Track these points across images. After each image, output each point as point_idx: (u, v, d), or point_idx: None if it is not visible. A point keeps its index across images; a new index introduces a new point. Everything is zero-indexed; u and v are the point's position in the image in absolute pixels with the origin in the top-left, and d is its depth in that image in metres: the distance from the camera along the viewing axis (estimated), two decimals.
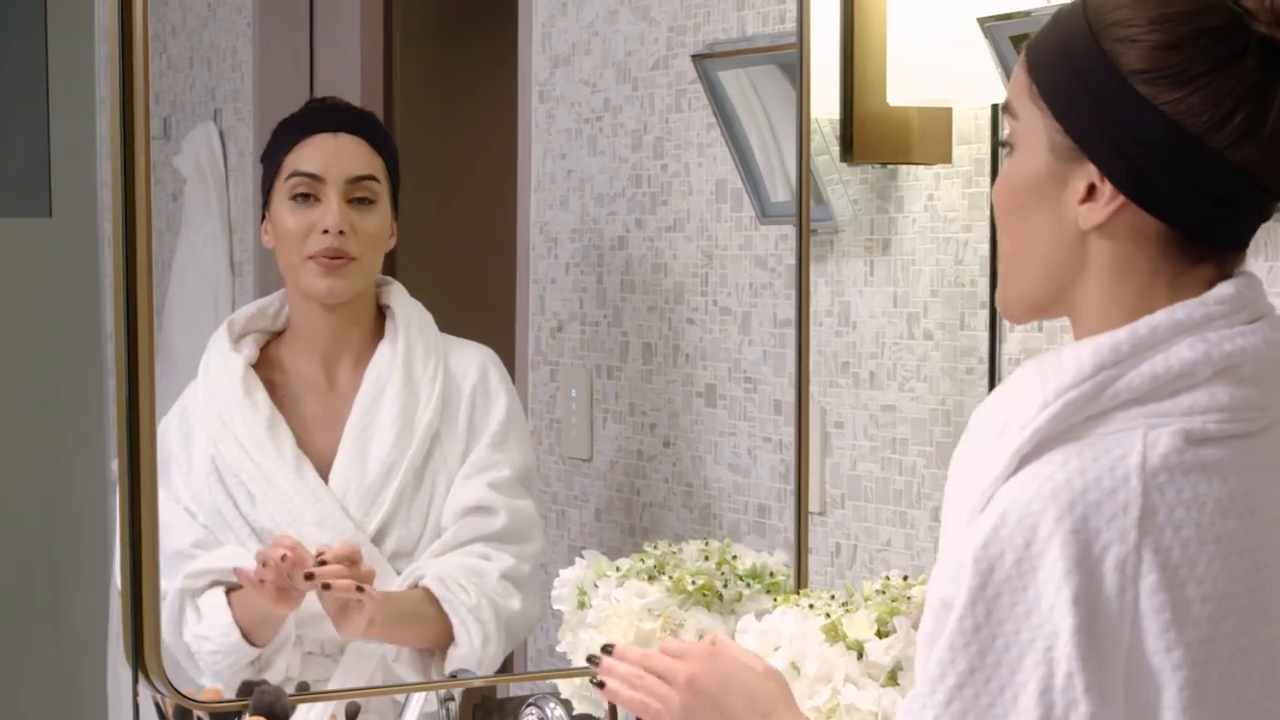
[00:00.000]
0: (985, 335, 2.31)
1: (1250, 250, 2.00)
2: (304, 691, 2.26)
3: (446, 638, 2.32)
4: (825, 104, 2.35)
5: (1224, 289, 1.38)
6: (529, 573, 2.39)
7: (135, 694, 2.03)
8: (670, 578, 2.32)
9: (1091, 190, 1.37)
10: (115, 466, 2.01)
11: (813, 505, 2.46)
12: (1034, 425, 1.34)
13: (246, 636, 2.27)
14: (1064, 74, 1.38)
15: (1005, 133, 1.45)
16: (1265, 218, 1.40)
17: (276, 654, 2.30)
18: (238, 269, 3.09)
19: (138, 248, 1.95)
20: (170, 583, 2.26)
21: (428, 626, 2.32)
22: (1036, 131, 1.39)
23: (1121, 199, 1.36)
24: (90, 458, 3.60)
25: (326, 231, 2.34)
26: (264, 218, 2.40)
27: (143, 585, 1.97)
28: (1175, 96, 1.33)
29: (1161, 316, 1.36)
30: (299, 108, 2.49)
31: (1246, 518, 1.34)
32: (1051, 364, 1.37)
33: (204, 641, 2.28)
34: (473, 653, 2.31)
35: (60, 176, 3.73)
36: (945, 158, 2.33)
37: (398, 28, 3.01)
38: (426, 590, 2.31)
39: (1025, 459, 1.35)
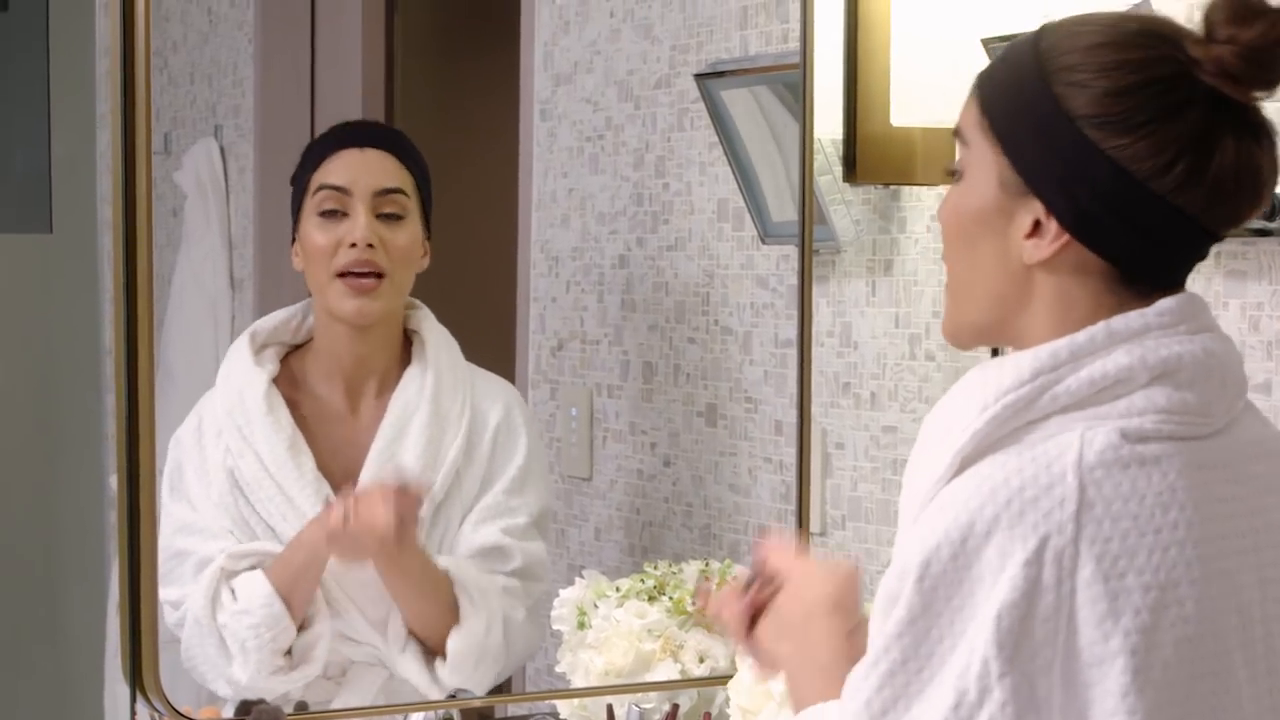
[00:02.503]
0: (987, 356, 2.30)
1: (1254, 272, 2.01)
2: (303, 711, 2.25)
3: (450, 619, 2.30)
4: (828, 124, 2.34)
5: (1165, 302, 1.42)
6: (533, 605, 2.38)
7: (133, 712, 2.02)
8: (670, 598, 2.32)
9: (1037, 226, 1.41)
10: (114, 483, 2.00)
11: (813, 526, 2.45)
12: (974, 427, 1.38)
13: (286, 605, 2.24)
14: (1016, 113, 1.41)
15: (956, 158, 1.48)
16: (1202, 256, 1.44)
17: (313, 647, 2.27)
18: (238, 285, 3.08)
19: (138, 263, 1.94)
20: (208, 567, 2.25)
21: (439, 597, 2.30)
22: (986, 164, 1.43)
23: (1066, 237, 1.40)
24: (89, 474, 3.59)
25: (354, 245, 2.31)
26: (294, 239, 2.38)
27: (141, 602, 1.97)
28: (1121, 142, 1.37)
29: (1099, 327, 1.40)
30: (326, 129, 2.47)
31: (1188, 510, 1.36)
32: (993, 370, 1.41)
33: (243, 617, 2.23)
34: (475, 637, 2.29)
35: (61, 192, 3.72)
36: (948, 179, 2.33)
37: (399, 45, 3.01)
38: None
39: (966, 461, 1.38)
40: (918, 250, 2.39)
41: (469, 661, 2.29)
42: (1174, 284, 1.43)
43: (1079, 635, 1.32)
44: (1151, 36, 1.39)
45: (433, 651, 2.31)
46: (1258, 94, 1.38)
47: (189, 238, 3.16)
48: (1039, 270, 1.42)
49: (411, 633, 2.30)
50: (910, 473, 1.45)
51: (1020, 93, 1.41)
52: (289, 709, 2.22)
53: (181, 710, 2.03)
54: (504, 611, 2.32)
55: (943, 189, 2.34)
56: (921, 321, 2.38)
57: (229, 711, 2.27)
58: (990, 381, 1.40)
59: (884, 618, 1.38)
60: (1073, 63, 1.39)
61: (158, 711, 2.00)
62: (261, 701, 2.16)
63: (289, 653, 2.26)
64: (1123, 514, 1.34)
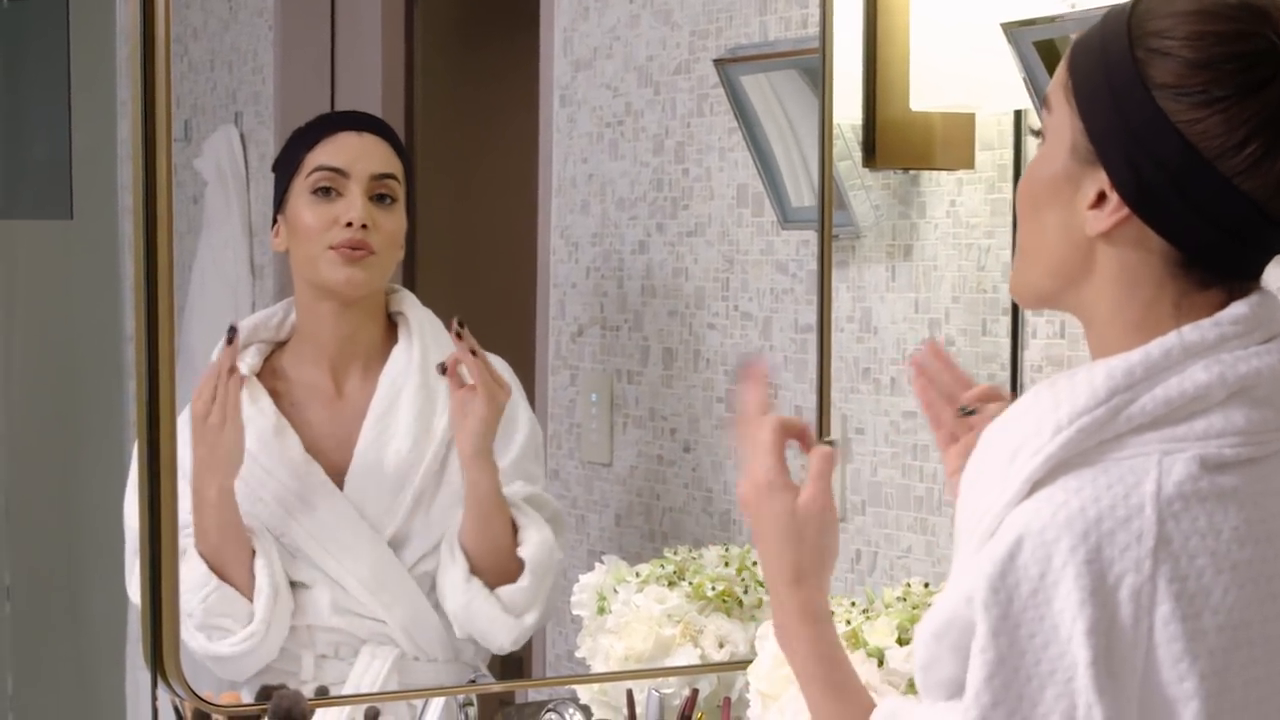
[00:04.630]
0: (1007, 341, 2.30)
1: None
2: (323, 695, 2.26)
3: (509, 538, 2.35)
4: (847, 109, 2.34)
5: (1237, 308, 1.37)
6: (560, 555, 2.43)
7: (154, 697, 2.03)
8: (690, 583, 2.32)
9: (1101, 197, 1.37)
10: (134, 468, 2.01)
11: None
12: (1046, 451, 1.34)
13: (214, 568, 2.27)
14: (1096, 76, 1.37)
15: (1040, 125, 1.45)
16: (1277, 251, 1.40)
17: (257, 606, 2.29)
18: (258, 271, 3.09)
19: (158, 250, 1.95)
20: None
21: (505, 521, 2.35)
22: (1064, 128, 1.40)
23: (1126, 210, 1.36)
24: (110, 461, 3.60)
25: (350, 225, 2.34)
26: (275, 221, 2.39)
27: (162, 589, 1.97)
28: (1194, 116, 1.33)
29: (1174, 339, 1.36)
30: (314, 117, 2.48)
31: (1263, 545, 1.33)
32: (1064, 387, 1.37)
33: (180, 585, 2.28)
34: (547, 545, 2.34)
35: (81, 179, 3.72)
36: (968, 163, 2.33)
37: (419, 31, 3.01)
38: None
39: (1038, 484, 1.34)
40: (937, 235, 2.38)
41: (542, 568, 2.34)
42: (1245, 274, 1.39)
43: (1158, 673, 1.30)
44: (1247, 11, 1.34)
45: (490, 585, 2.34)
46: None
47: (209, 224, 3.17)
48: (1101, 243, 1.38)
49: (472, 571, 2.32)
50: (971, 487, 1.41)
51: (1105, 55, 1.37)
52: (309, 692, 2.22)
53: (202, 695, 2.04)
54: (552, 529, 2.38)
55: (961, 173, 2.34)
56: (941, 306, 2.38)
57: (249, 697, 2.28)
58: (1063, 401, 1.35)
59: (939, 640, 1.35)
60: (1161, 28, 1.35)
61: (179, 697, 2.01)
62: (282, 686, 2.17)
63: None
64: (1200, 550, 1.31)
